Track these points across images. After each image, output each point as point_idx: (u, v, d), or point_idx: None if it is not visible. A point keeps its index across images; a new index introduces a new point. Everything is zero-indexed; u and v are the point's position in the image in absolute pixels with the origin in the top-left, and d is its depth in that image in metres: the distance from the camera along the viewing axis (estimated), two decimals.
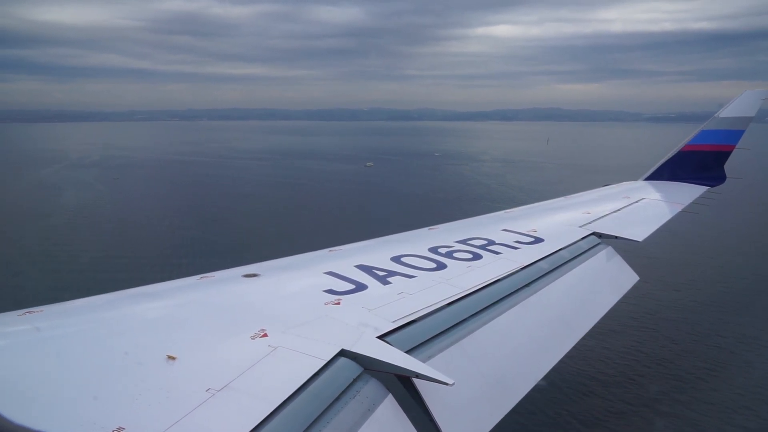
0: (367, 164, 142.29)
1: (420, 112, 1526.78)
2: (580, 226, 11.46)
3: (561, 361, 6.76)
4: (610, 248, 10.56)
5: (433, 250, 8.75)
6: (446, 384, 4.54)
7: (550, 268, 8.69)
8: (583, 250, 9.99)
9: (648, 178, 19.69)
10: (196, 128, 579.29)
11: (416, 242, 9.36)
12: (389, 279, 7.11)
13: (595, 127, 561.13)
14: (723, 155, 19.40)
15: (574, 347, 7.17)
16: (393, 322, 5.69)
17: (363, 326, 5.48)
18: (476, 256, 8.63)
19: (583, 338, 7.49)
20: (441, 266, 7.94)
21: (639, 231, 12.00)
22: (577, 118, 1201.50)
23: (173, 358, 4.38)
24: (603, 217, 12.63)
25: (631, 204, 14.83)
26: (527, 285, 7.82)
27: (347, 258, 8.04)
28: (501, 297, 7.18)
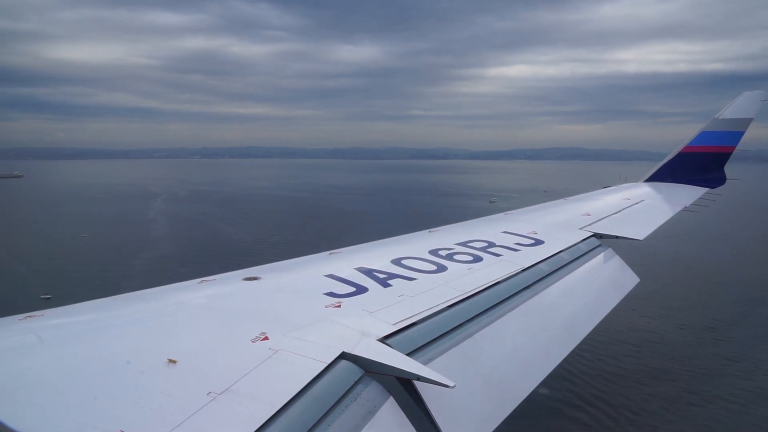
0: (491, 200, 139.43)
1: (438, 150, 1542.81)
2: (580, 228, 11.40)
3: (562, 363, 6.65)
4: (610, 250, 10.57)
5: (434, 252, 8.69)
6: (447, 386, 4.51)
7: (551, 270, 8.62)
8: (583, 252, 9.94)
9: (648, 180, 19.51)
10: (225, 165, 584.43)
11: (416, 244, 9.34)
12: (390, 281, 7.07)
13: (630, 166, 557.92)
14: (723, 156, 19.22)
15: (575, 349, 7.07)
16: (394, 324, 5.64)
17: (363, 329, 5.42)
18: (476, 258, 8.58)
19: (584, 340, 7.38)
20: (441, 268, 7.89)
21: (639, 231, 11.91)
22: (601, 157, 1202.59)
23: (174, 362, 4.33)
24: (603, 218, 12.57)
25: (631, 205, 14.71)
26: (528, 287, 7.77)
27: (347, 260, 8.05)
28: (501, 299, 7.14)
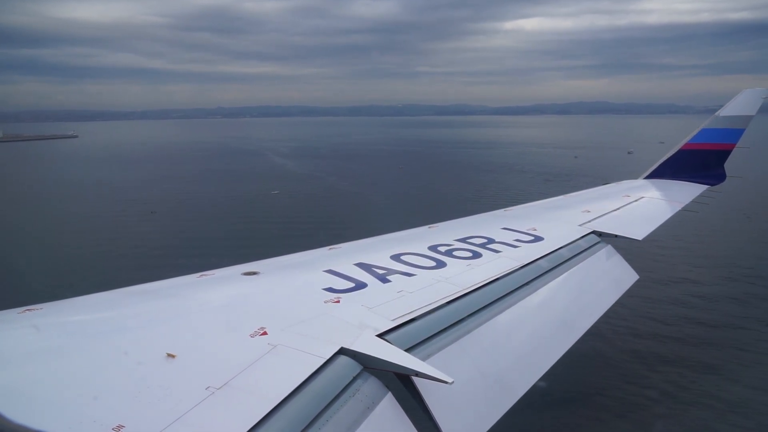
0: (629, 151, 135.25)
1: (457, 107, 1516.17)
2: (580, 225, 11.36)
3: (560, 360, 6.57)
4: (609, 247, 10.49)
5: (433, 248, 8.71)
6: (446, 382, 4.51)
7: (550, 267, 8.61)
8: (582, 249, 9.90)
9: (648, 177, 19.48)
10: (257, 124, 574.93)
11: (416, 241, 9.32)
12: (389, 277, 7.06)
13: (668, 120, 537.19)
14: (723, 154, 19.31)
15: (574, 346, 6.97)
16: (392, 320, 5.64)
17: (362, 324, 5.42)
18: (476, 255, 8.58)
19: (583, 337, 7.29)
20: (441, 264, 7.89)
21: (639, 230, 11.90)
22: (630, 111, 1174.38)
23: (173, 356, 4.37)
24: (603, 215, 12.53)
25: (631, 203, 14.72)
26: (527, 283, 7.76)
27: (347, 256, 8.03)
28: (500, 295, 7.11)
